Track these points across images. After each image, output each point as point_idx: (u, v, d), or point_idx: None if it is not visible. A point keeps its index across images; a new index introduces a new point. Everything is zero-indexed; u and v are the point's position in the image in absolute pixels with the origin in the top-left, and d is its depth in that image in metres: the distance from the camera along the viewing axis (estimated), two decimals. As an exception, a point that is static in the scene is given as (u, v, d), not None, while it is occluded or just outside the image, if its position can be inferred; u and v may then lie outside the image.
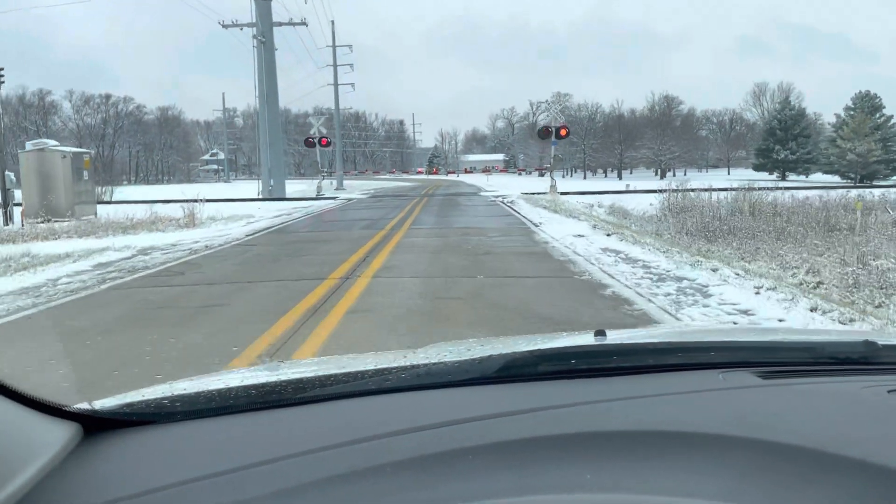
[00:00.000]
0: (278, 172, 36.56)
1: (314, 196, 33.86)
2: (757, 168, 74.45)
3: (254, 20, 37.76)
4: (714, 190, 24.12)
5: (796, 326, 5.48)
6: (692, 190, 24.42)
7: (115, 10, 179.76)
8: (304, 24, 40.96)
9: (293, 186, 72.10)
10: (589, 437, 0.85)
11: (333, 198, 31.43)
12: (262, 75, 36.83)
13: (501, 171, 34.15)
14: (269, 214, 21.93)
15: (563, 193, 28.68)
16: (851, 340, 1.32)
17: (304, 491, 0.74)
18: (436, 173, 40.57)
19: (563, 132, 28.60)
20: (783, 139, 70.41)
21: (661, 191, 32.36)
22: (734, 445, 0.81)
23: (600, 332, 1.36)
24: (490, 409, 0.95)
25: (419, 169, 49.71)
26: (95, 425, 0.95)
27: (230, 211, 23.01)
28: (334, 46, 65.25)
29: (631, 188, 33.65)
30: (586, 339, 1.37)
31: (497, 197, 28.86)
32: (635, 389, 1.06)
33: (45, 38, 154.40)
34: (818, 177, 72.50)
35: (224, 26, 39.60)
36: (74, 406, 0.95)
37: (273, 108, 36.98)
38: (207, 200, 32.48)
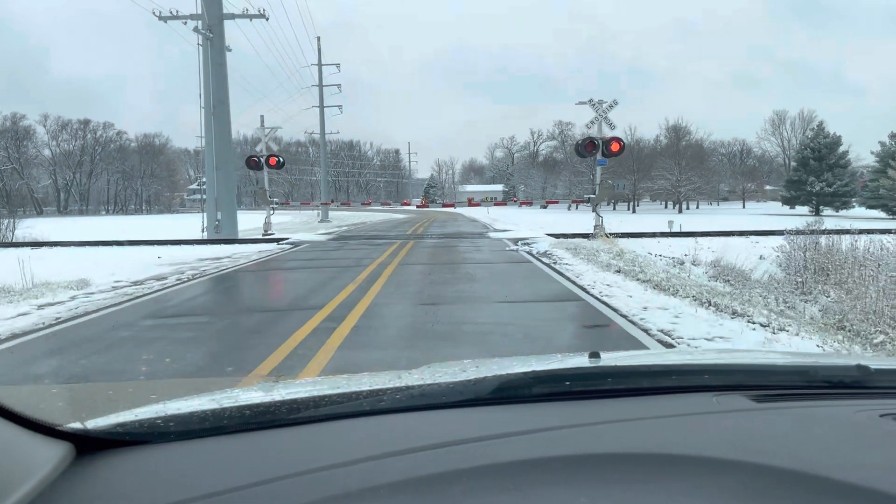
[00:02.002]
0: (228, 203, 26.41)
1: (260, 236, 23.70)
2: (787, 202, 64.60)
3: (198, 11, 27.83)
4: (854, 232, 14.15)
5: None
6: (824, 232, 14.47)
7: (106, 37, 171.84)
8: (263, 16, 30.85)
9: (277, 218, 62.01)
10: (584, 460, 0.82)
11: (279, 240, 21.22)
12: (208, 79, 26.80)
13: (523, 203, 24.79)
14: (133, 277, 11.80)
15: (609, 235, 18.62)
16: (845, 364, 1.24)
17: None
18: (425, 206, 30.09)
19: (614, 146, 18.53)
20: (817, 170, 60.73)
21: (751, 233, 22.25)
22: (728, 468, 0.79)
23: (594, 354, 1.32)
24: (485, 431, 0.92)
25: (405, 201, 40.67)
26: (88, 445, 0.91)
27: (98, 266, 13.00)
28: (320, 65, 56.03)
29: (675, 226, 23.58)
30: (581, 360, 1.32)
31: (517, 241, 18.73)
32: (630, 412, 1.02)
33: (41, 65, 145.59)
34: (860, 211, 62.96)
35: (161, 18, 29.35)
36: (67, 425, 0.91)
37: (223, 121, 26.81)
38: (116, 243, 22.54)
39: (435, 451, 0.85)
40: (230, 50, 28.72)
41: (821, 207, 61.30)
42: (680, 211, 71.98)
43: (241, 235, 25.00)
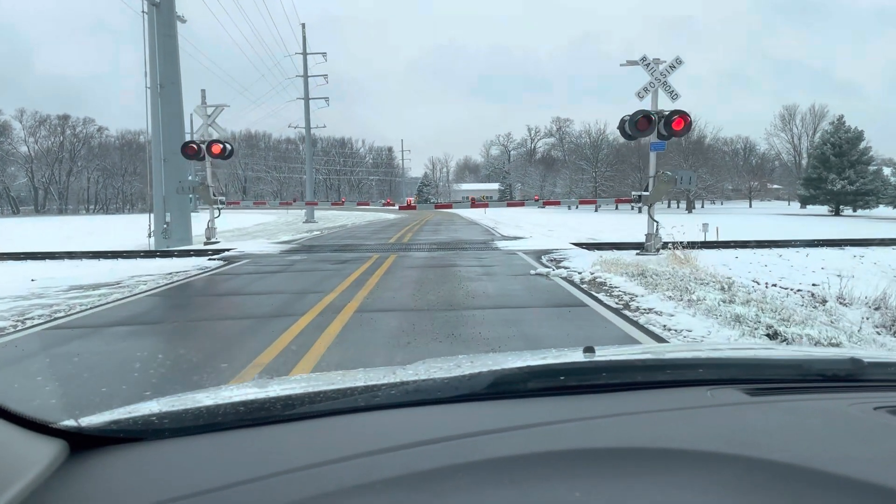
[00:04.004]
0: (179, 203, 20.72)
1: (202, 245, 17.98)
2: (806, 201, 58.99)
3: (140, -30, 22.00)
4: None
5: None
6: None
7: (92, 31, 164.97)
8: (220, -23, 25.03)
9: (260, 217, 55.46)
10: (579, 454, 0.80)
11: (216, 252, 15.42)
12: (154, 54, 21.04)
13: (547, 203, 18.76)
14: None
15: (666, 246, 12.99)
16: (838, 358, 1.21)
17: None
18: (410, 207, 23.24)
19: (678, 123, 12.80)
20: (838, 167, 55.14)
21: (845, 242, 16.63)
22: (723, 462, 0.77)
23: (589, 349, 1.27)
24: (480, 426, 0.90)
25: (388, 200, 35.34)
26: (82, 443, 0.89)
27: None
28: (304, 53, 50.38)
29: (710, 230, 17.83)
30: (575, 355, 1.26)
31: (539, 256, 13.05)
32: (624, 406, 1.00)
33: (27, 62, 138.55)
34: (886, 211, 57.59)
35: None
36: (61, 423, 0.88)
37: (172, 104, 20.98)
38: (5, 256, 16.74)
39: (430, 447, 0.82)
40: (183, 21, 22.89)
41: (840, 207, 55.88)
42: (690, 210, 66.46)
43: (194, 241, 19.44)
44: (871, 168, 56.26)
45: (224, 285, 10.01)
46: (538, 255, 13.59)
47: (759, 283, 9.74)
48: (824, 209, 58.07)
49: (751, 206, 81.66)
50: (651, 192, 13.56)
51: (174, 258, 15.01)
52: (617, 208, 73.18)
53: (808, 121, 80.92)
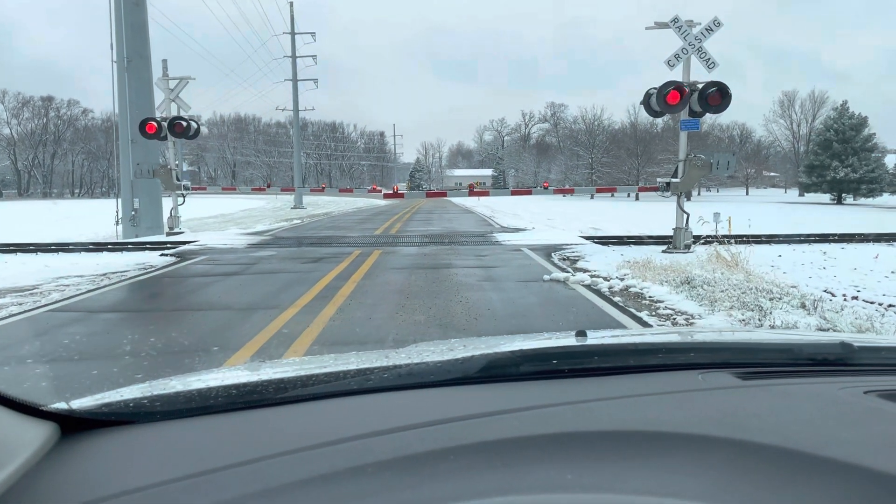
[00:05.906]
0: (149, 188, 18.54)
1: (164, 237, 15.83)
2: (807, 189, 57.00)
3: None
4: None
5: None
6: None
7: (72, 9, 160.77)
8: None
9: (249, 203, 52.96)
10: (571, 438, 0.80)
11: (173, 245, 13.19)
12: (120, 26, 18.69)
13: (558, 191, 16.44)
14: None
15: (702, 240, 10.97)
16: (829, 342, 1.19)
17: (286, 491, 0.67)
18: (397, 195, 20.58)
19: (715, 98, 10.67)
20: (841, 154, 53.15)
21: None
22: (714, 446, 0.76)
23: (581, 333, 1.26)
24: (472, 410, 0.88)
25: (374, 186, 33.22)
26: (73, 425, 0.87)
27: None
28: (293, 33, 47.92)
29: (721, 219, 15.62)
30: (568, 339, 1.25)
31: (549, 254, 10.94)
32: (616, 390, 0.99)
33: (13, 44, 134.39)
34: (890, 199, 55.73)
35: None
36: (51, 406, 0.87)
37: (141, 80, 18.61)
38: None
39: (422, 430, 0.82)
40: (154, -12, 20.46)
41: (842, 195, 53.95)
42: (688, 198, 64.52)
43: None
44: (874, 156, 54.32)
45: (157, 295, 7.85)
46: (547, 252, 11.47)
47: (834, 295, 7.68)
48: (825, 197, 56.14)
49: (747, 193, 79.78)
50: (682, 179, 11.47)
51: (125, 252, 12.83)
52: (612, 196, 71.16)
53: (807, 107, 78.70)
